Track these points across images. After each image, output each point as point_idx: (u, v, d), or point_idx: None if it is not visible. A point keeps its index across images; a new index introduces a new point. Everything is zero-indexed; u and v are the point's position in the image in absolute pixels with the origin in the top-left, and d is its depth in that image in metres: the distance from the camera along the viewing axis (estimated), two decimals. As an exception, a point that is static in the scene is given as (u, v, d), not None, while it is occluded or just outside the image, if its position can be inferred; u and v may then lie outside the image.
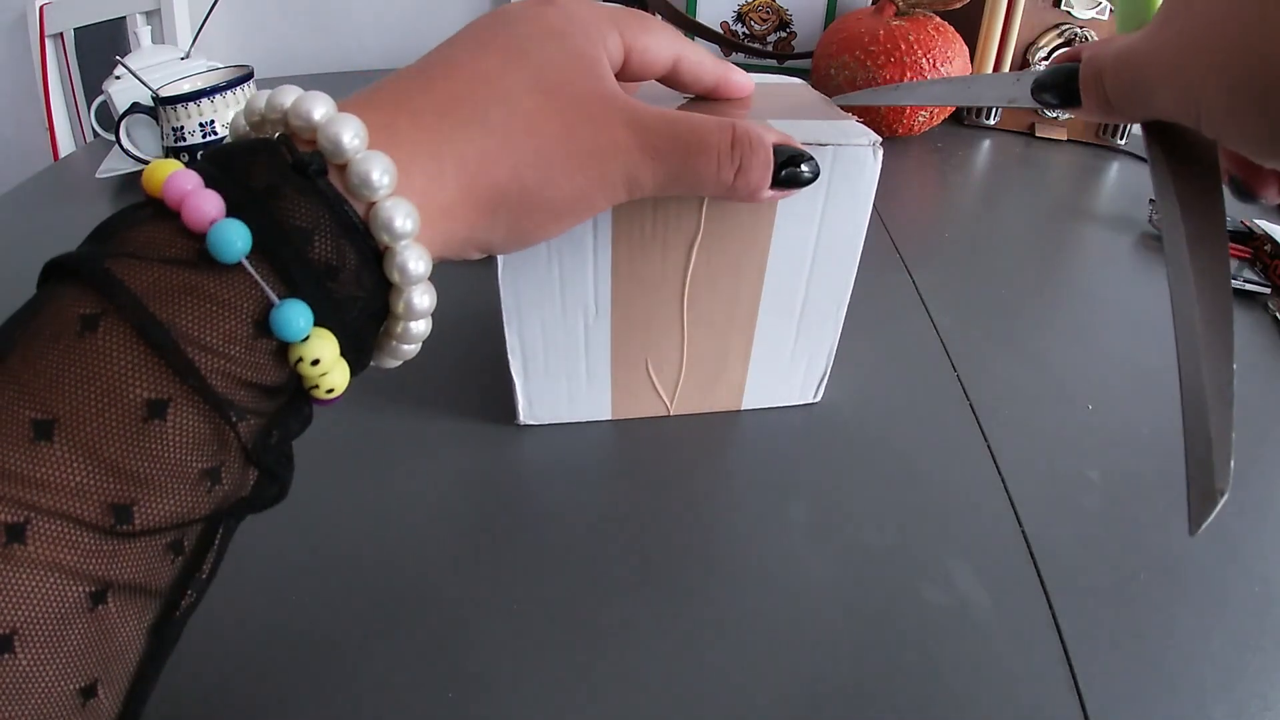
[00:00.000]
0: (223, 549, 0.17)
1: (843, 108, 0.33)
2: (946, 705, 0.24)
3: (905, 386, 0.38)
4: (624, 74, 0.25)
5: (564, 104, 0.21)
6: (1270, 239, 0.51)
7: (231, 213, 0.15)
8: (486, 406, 0.35)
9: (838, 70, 0.72)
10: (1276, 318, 0.46)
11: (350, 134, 0.17)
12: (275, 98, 0.18)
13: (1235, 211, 0.58)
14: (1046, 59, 0.78)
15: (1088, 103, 0.22)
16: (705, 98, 0.30)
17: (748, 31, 0.90)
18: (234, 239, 0.15)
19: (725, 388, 0.35)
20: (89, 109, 0.67)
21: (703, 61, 0.27)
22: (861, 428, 0.35)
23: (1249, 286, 0.49)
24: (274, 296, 0.16)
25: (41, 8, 0.96)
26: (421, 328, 0.20)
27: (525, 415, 0.34)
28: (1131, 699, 0.24)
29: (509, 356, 0.32)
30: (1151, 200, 0.58)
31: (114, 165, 0.62)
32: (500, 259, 0.28)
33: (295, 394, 0.18)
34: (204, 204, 0.15)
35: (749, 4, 0.88)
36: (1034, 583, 0.28)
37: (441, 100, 0.19)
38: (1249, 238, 0.54)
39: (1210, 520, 0.16)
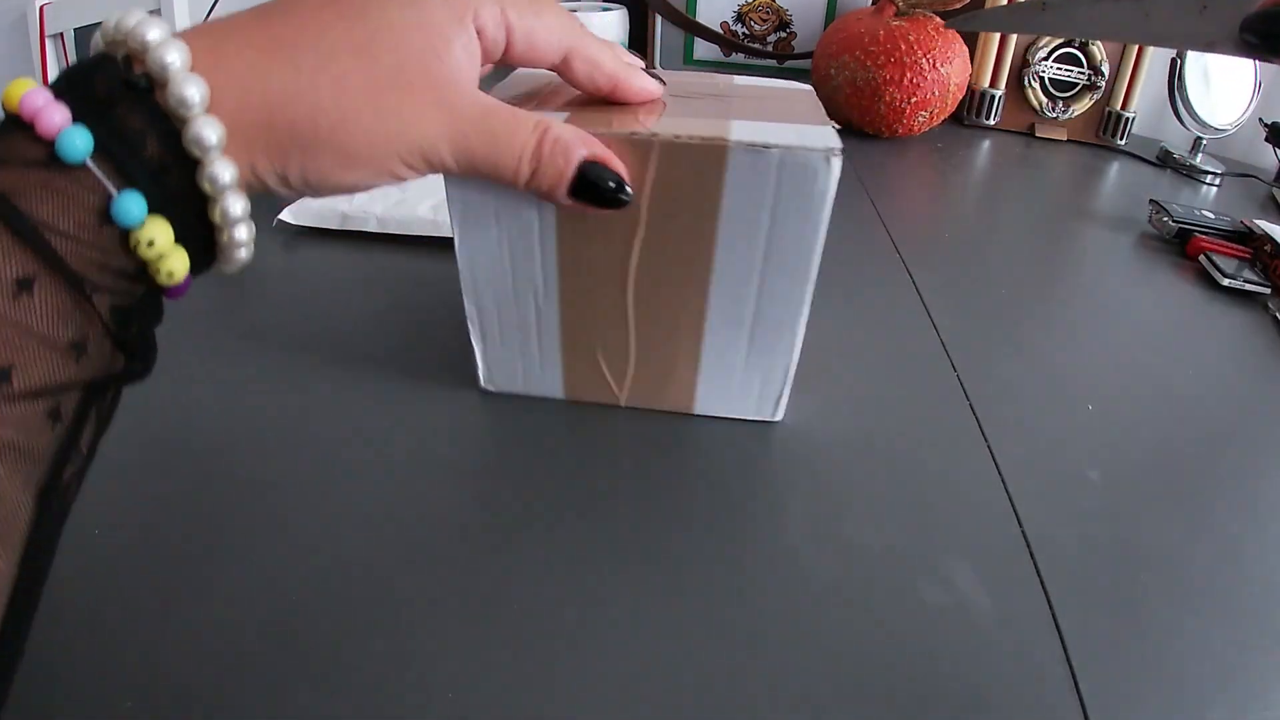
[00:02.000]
0: (101, 425, 0.19)
1: (958, 33, 0.29)
2: (946, 705, 0.24)
3: (905, 386, 0.38)
4: (508, 56, 0.26)
5: (381, 68, 0.22)
6: (1270, 239, 0.52)
7: (77, 120, 0.18)
8: (453, 369, 0.37)
9: (837, 70, 0.72)
10: (1276, 318, 0.47)
11: (173, 57, 0.19)
12: (123, 19, 0.20)
13: (1235, 211, 0.58)
14: (1046, 59, 0.78)
15: None
16: (605, 100, 0.29)
17: (748, 31, 0.90)
18: (77, 141, 0.17)
19: (677, 389, 0.35)
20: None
21: (599, 60, 0.27)
22: (861, 428, 0.35)
23: (1249, 286, 0.49)
24: (113, 189, 0.18)
25: (41, 8, 0.96)
26: (243, 234, 0.22)
27: (485, 381, 0.35)
28: (1131, 699, 0.24)
29: (468, 324, 0.33)
30: (1152, 200, 0.58)
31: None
32: (456, 232, 0.30)
33: (150, 287, 0.20)
34: (53, 114, 0.17)
35: (749, 4, 0.88)
36: (1034, 583, 0.28)
37: (267, 38, 0.21)
38: (1249, 238, 0.54)
39: None
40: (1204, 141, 0.73)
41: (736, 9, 0.89)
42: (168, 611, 0.26)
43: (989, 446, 0.34)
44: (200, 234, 0.21)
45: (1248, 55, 0.21)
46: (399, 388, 0.36)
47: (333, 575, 0.27)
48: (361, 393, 0.36)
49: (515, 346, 0.34)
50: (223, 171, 0.20)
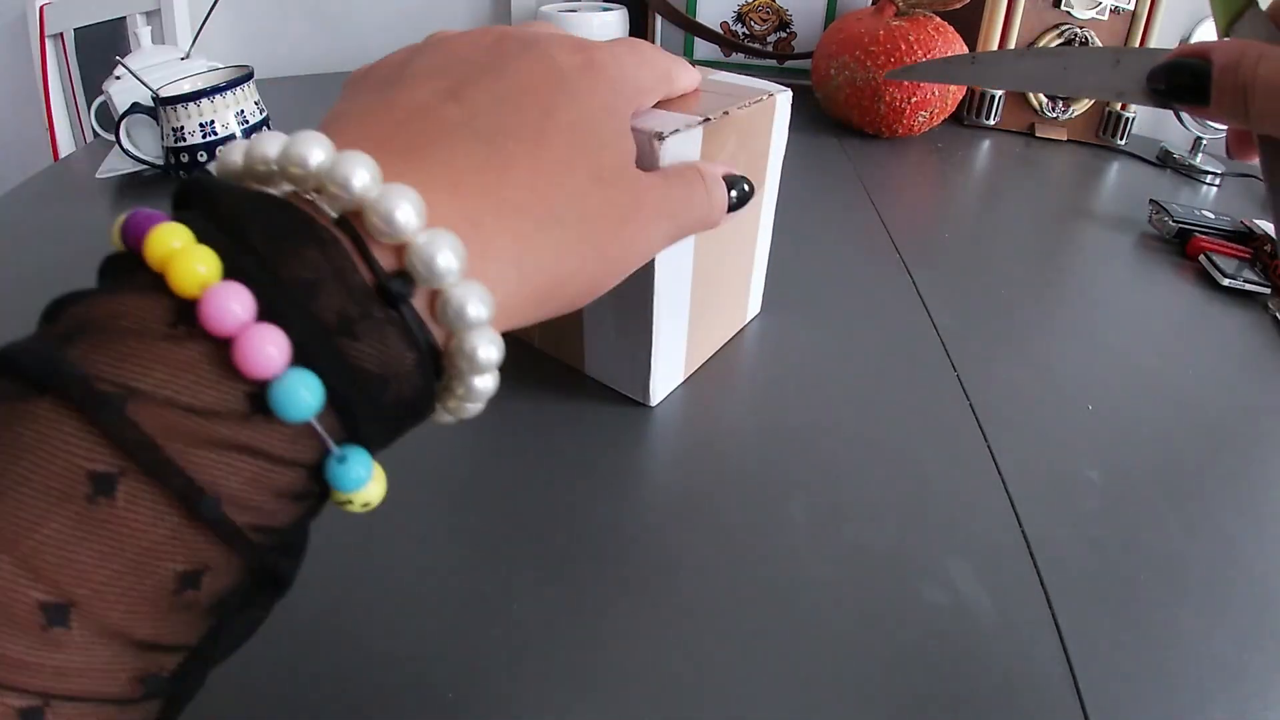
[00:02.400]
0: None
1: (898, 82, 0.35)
2: (946, 705, 0.24)
3: (905, 386, 0.38)
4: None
5: (615, 192, 0.20)
6: (1270, 239, 0.52)
7: (298, 358, 0.12)
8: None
9: (838, 70, 0.72)
10: (1276, 318, 0.46)
11: (447, 253, 0.14)
12: (337, 165, 0.14)
13: (1235, 211, 0.58)
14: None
15: (1218, 106, 0.22)
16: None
17: (748, 31, 0.90)
18: (304, 395, 0.12)
19: (570, 345, 0.37)
20: (89, 109, 0.67)
21: (681, 74, 0.28)
22: (861, 428, 0.35)
23: (1249, 286, 0.49)
24: (334, 448, 0.13)
25: (41, 8, 0.96)
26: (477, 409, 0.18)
27: (656, 394, 0.35)
28: (1131, 699, 0.24)
29: (655, 332, 0.33)
30: (1152, 200, 0.58)
31: (114, 165, 0.62)
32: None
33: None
34: (264, 345, 0.12)
35: (749, 4, 0.88)
36: (1034, 583, 0.28)
37: (523, 193, 0.17)
38: (1249, 238, 0.54)
39: None
40: (1204, 141, 0.73)
41: (736, 9, 0.89)
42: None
43: (989, 446, 0.34)
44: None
45: (1155, 104, 0.23)
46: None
47: (331, 585, 0.27)
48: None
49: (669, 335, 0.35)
50: (487, 383, 0.16)
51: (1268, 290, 0.49)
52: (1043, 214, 0.61)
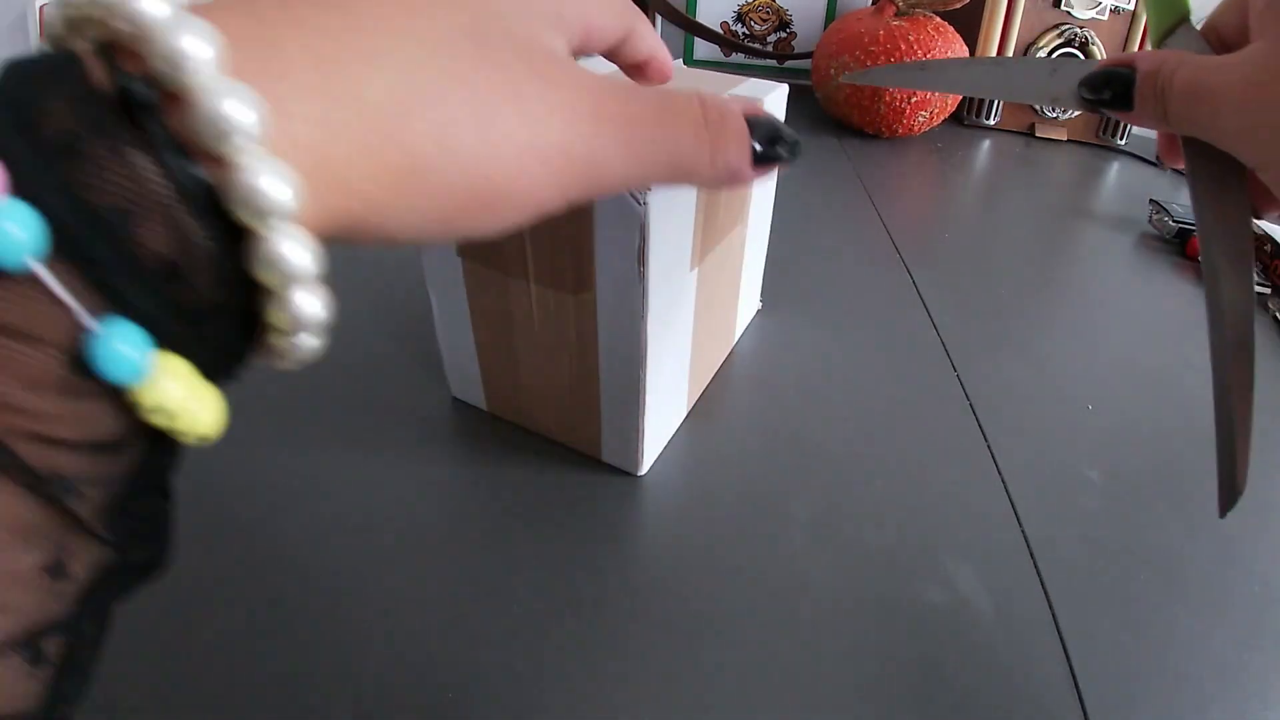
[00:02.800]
0: (101, 636, 0.13)
1: (858, 86, 0.35)
2: (946, 705, 0.24)
3: (905, 386, 0.38)
4: (582, 51, 0.20)
5: (508, 56, 0.15)
6: (1270, 239, 0.52)
7: (19, 189, 0.10)
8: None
9: (838, 70, 0.72)
10: (1276, 318, 0.46)
11: (201, 47, 0.11)
12: None
13: (1235, 211, 0.58)
14: (1047, 59, 0.78)
15: (1141, 110, 0.23)
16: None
17: (748, 31, 0.90)
18: (13, 232, 0.09)
19: (725, 334, 0.37)
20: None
21: (649, 36, 0.23)
22: (861, 427, 0.35)
23: (1249, 286, 0.49)
24: (86, 319, 0.10)
25: (41, 8, 0.96)
26: (314, 343, 0.14)
27: (647, 463, 0.32)
28: (1131, 699, 0.24)
29: (644, 404, 0.29)
30: (1151, 200, 0.58)
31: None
32: (430, 275, 0.26)
33: (155, 438, 0.12)
34: None
35: (749, 4, 0.88)
36: (1034, 583, 0.28)
37: (337, 19, 0.13)
38: (1249, 238, 0.54)
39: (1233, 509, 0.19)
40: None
41: (736, 9, 0.89)
42: (167, 609, 0.26)
43: (989, 446, 0.34)
44: (235, 343, 0.13)
45: (1086, 109, 0.25)
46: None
47: (325, 572, 0.27)
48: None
49: (665, 403, 0.32)
50: (295, 251, 0.12)
51: (1268, 290, 0.49)
52: (1043, 214, 0.61)
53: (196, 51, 0.11)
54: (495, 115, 0.14)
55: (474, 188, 0.14)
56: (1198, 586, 0.28)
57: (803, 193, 0.59)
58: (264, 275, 0.12)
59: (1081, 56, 0.76)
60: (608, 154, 0.16)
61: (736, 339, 0.40)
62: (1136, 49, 0.72)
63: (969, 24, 0.74)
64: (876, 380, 0.39)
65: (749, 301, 0.41)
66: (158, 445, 0.12)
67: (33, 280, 0.10)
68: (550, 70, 0.16)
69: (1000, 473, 0.33)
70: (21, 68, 0.11)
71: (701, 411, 0.36)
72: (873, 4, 0.75)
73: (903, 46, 0.68)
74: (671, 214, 0.26)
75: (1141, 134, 0.79)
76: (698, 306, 0.32)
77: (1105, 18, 0.72)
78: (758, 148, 0.19)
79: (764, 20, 0.89)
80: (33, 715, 0.11)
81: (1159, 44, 0.24)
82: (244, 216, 0.12)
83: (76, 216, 0.10)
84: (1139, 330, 0.45)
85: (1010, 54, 0.77)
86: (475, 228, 0.15)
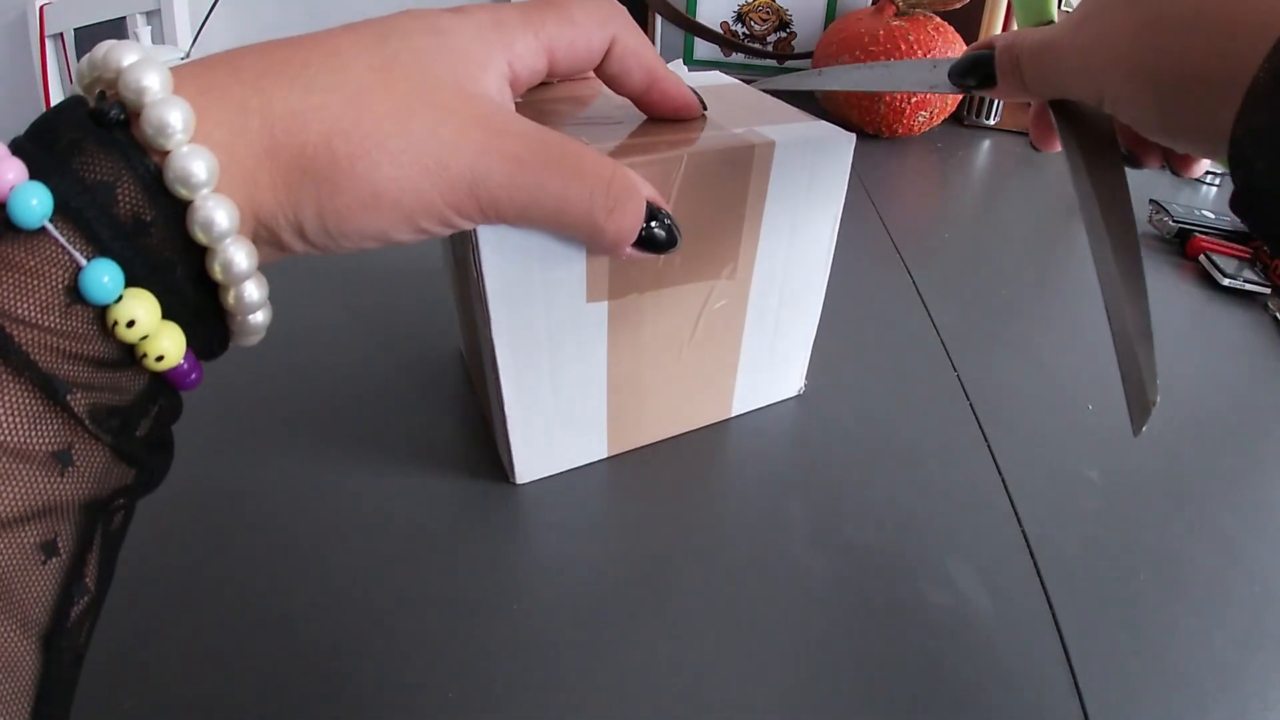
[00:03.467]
0: (109, 553, 0.16)
1: (774, 94, 0.33)
2: (946, 705, 0.24)
3: (905, 386, 0.38)
4: (557, 72, 0.23)
5: (408, 86, 0.18)
6: (1270, 239, 0.51)
7: (35, 176, 0.14)
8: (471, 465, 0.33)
9: (838, 70, 0.72)
10: (1276, 318, 0.46)
11: (150, 78, 0.16)
12: (95, 51, 0.16)
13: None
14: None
15: (1003, 83, 0.26)
16: (646, 111, 0.27)
17: (748, 31, 0.90)
18: (30, 201, 0.14)
19: (715, 401, 0.35)
20: (89, 109, 0.67)
21: (640, 51, 0.24)
22: (861, 428, 0.35)
23: (1249, 286, 0.49)
24: (80, 258, 0.15)
25: (41, 8, 0.96)
26: (254, 293, 0.18)
27: (522, 475, 0.31)
28: (1131, 699, 0.24)
29: (502, 416, 0.29)
30: (1151, 200, 0.58)
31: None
32: (495, 315, 0.25)
33: (151, 376, 0.17)
34: (3, 172, 0.14)
35: (749, 4, 0.88)
36: (1034, 583, 0.28)
37: (272, 61, 0.18)
38: (1249, 238, 0.54)
39: (1147, 425, 0.20)
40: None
41: (736, 9, 0.89)
42: (169, 612, 0.26)
43: (989, 446, 0.34)
44: (201, 303, 0.17)
45: (960, 92, 0.28)
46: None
47: (331, 583, 0.27)
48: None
49: (557, 423, 0.30)
50: (217, 212, 0.16)
51: (1268, 290, 0.49)
52: (1043, 214, 0.61)
53: (149, 82, 0.16)
54: (377, 130, 0.18)
55: (355, 189, 0.18)
56: (1198, 586, 0.28)
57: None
58: (200, 235, 0.16)
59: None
60: (493, 181, 0.19)
61: (736, 411, 0.36)
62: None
63: (969, 24, 0.74)
64: (875, 380, 0.39)
65: (771, 376, 0.35)
66: (155, 383, 0.17)
67: (44, 234, 0.14)
68: (452, 103, 0.19)
69: (1000, 473, 0.33)
70: (48, 111, 0.16)
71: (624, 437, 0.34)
72: (873, 4, 0.75)
73: (903, 46, 0.68)
74: (524, 232, 0.24)
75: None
76: (618, 345, 0.29)
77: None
78: (645, 228, 0.22)
79: (764, 20, 0.89)
80: (46, 601, 0.14)
81: None
82: (180, 191, 0.16)
83: (74, 189, 0.15)
84: (1139, 330, 0.45)
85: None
86: (366, 227, 0.19)
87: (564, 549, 0.29)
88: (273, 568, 0.27)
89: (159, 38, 0.92)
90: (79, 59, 0.96)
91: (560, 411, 0.30)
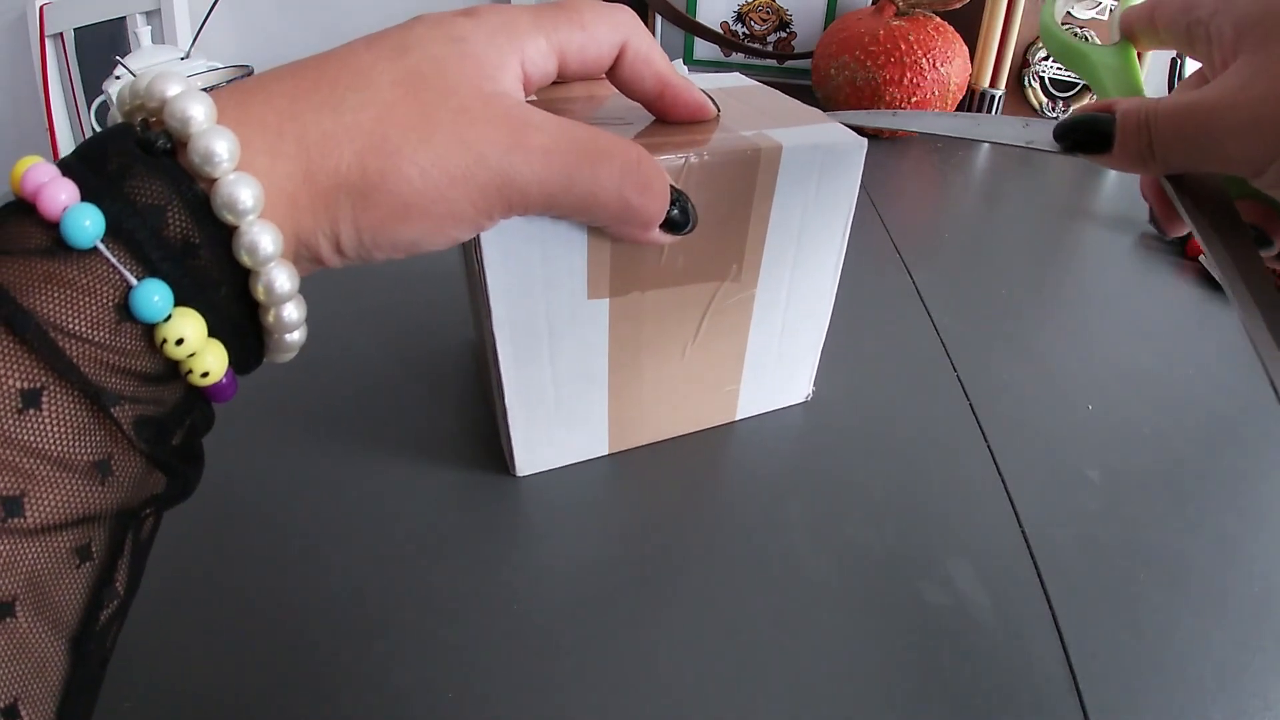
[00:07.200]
0: (138, 560, 0.17)
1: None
2: (946, 705, 0.24)
3: (905, 386, 0.38)
4: (567, 75, 0.23)
5: (430, 96, 0.19)
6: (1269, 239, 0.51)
7: (86, 198, 0.15)
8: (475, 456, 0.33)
9: (838, 70, 0.72)
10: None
11: (196, 109, 0.17)
12: (138, 81, 0.17)
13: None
14: (1047, 59, 0.78)
15: (1121, 150, 0.23)
16: (658, 116, 0.27)
17: (748, 31, 0.90)
18: (84, 222, 0.15)
19: (720, 403, 0.34)
20: (89, 109, 0.68)
21: (651, 56, 0.24)
22: (861, 428, 0.35)
23: (1249, 287, 0.49)
24: (131, 277, 0.15)
25: (41, 8, 0.96)
26: (293, 314, 0.19)
27: (523, 467, 0.32)
28: (1131, 699, 0.24)
29: (504, 409, 0.29)
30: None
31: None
32: (497, 308, 0.26)
33: (188, 389, 0.17)
34: (57, 193, 0.15)
35: (749, 4, 0.88)
36: (1034, 583, 0.28)
37: (300, 84, 0.19)
38: (1249, 238, 0.54)
39: None
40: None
41: (736, 9, 0.89)
42: (167, 609, 0.26)
43: (989, 446, 0.34)
44: (241, 321, 0.18)
45: (1061, 153, 0.25)
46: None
47: (331, 580, 0.27)
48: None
49: (558, 417, 0.30)
50: (262, 237, 0.17)
51: (1268, 291, 0.49)
52: (1043, 214, 0.61)
53: (194, 113, 0.17)
54: (405, 143, 0.18)
55: (387, 203, 0.19)
56: (1198, 586, 0.28)
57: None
58: (245, 258, 0.17)
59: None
60: (521, 177, 0.20)
61: (741, 415, 0.36)
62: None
63: (969, 24, 0.74)
64: (875, 380, 0.39)
65: (778, 381, 0.35)
66: (191, 395, 0.18)
67: (95, 253, 0.15)
68: (474, 106, 0.19)
69: (1000, 473, 0.33)
70: (98, 135, 0.17)
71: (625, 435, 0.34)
72: (873, 4, 0.75)
73: (903, 46, 0.68)
74: (529, 226, 0.24)
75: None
76: (620, 342, 0.29)
77: (1105, 18, 0.72)
78: (671, 211, 0.23)
79: (764, 20, 0.89)
80: (78, 603, 0.15)
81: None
82: (227, 217, 0.17)
83: (126, 212, 0.16)
84: (1139, 330, 0.45)
85: (1010, 54, 0.77)
86: (398, 235, 0.19)
87: (564, 543, 0.29)
88: (271, 561, 0.27)
89: (159, 38, 0.92)
90: (79, 59, 0.96)
91: (561, 405, 0.30)
